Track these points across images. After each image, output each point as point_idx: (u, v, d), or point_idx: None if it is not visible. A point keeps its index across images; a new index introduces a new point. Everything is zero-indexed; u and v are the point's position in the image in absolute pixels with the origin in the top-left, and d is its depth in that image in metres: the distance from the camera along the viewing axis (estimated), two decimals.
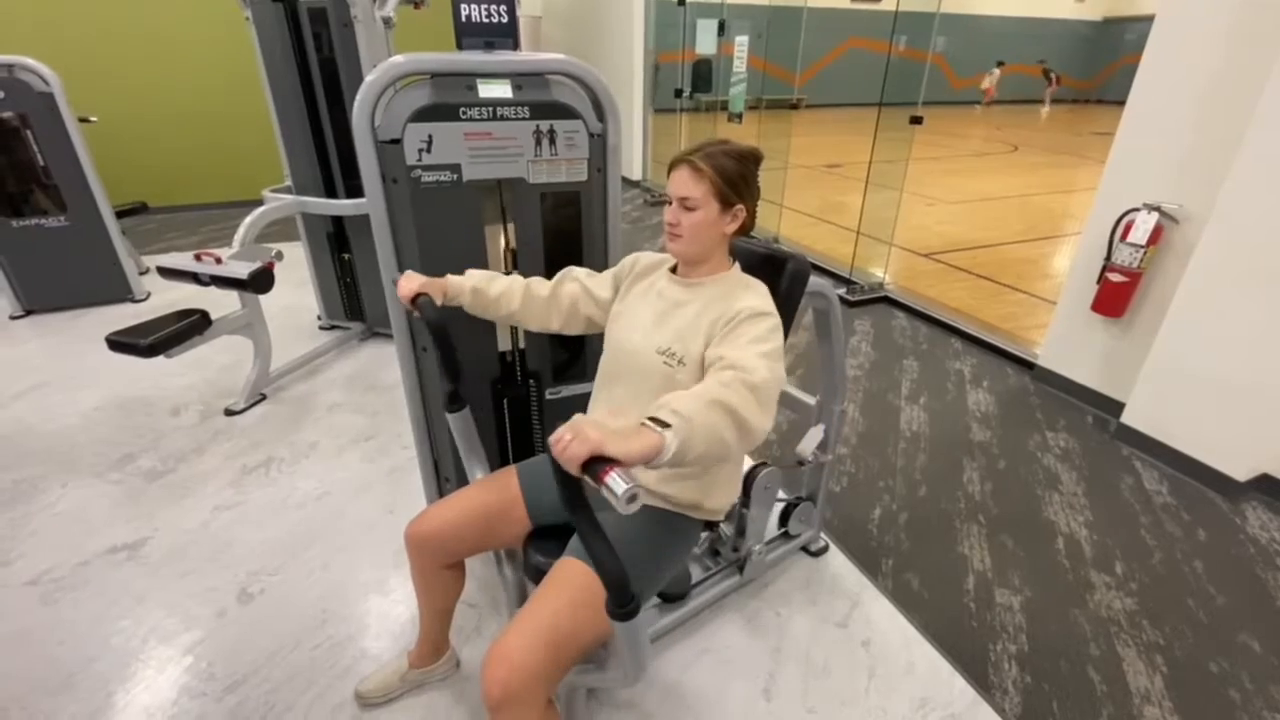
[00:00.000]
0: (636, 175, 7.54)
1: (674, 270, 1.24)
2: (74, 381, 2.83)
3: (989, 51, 15.35)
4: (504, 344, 1.61)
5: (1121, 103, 2.51)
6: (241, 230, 2.57)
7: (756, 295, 1.12)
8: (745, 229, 1.17)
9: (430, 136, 1.32)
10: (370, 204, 1.38)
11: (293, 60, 2.66)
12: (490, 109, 1.35)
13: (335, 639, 1.61)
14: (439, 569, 1.30)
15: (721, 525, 1.70)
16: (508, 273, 1.38)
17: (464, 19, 1.35)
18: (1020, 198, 6.97)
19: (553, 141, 1.43)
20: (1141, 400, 2.46)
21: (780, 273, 1.27)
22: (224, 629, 1.64)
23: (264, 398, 2.72)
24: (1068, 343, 2.86)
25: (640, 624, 0.86)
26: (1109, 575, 1.88)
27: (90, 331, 3.29)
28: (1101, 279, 2.58)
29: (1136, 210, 2.44)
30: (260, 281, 2.36)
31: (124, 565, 1.84)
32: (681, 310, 1.16)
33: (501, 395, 1.65)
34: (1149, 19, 2.38)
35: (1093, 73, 17.55)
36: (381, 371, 2.96)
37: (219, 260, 2.37)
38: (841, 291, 3.94)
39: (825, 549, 1.93)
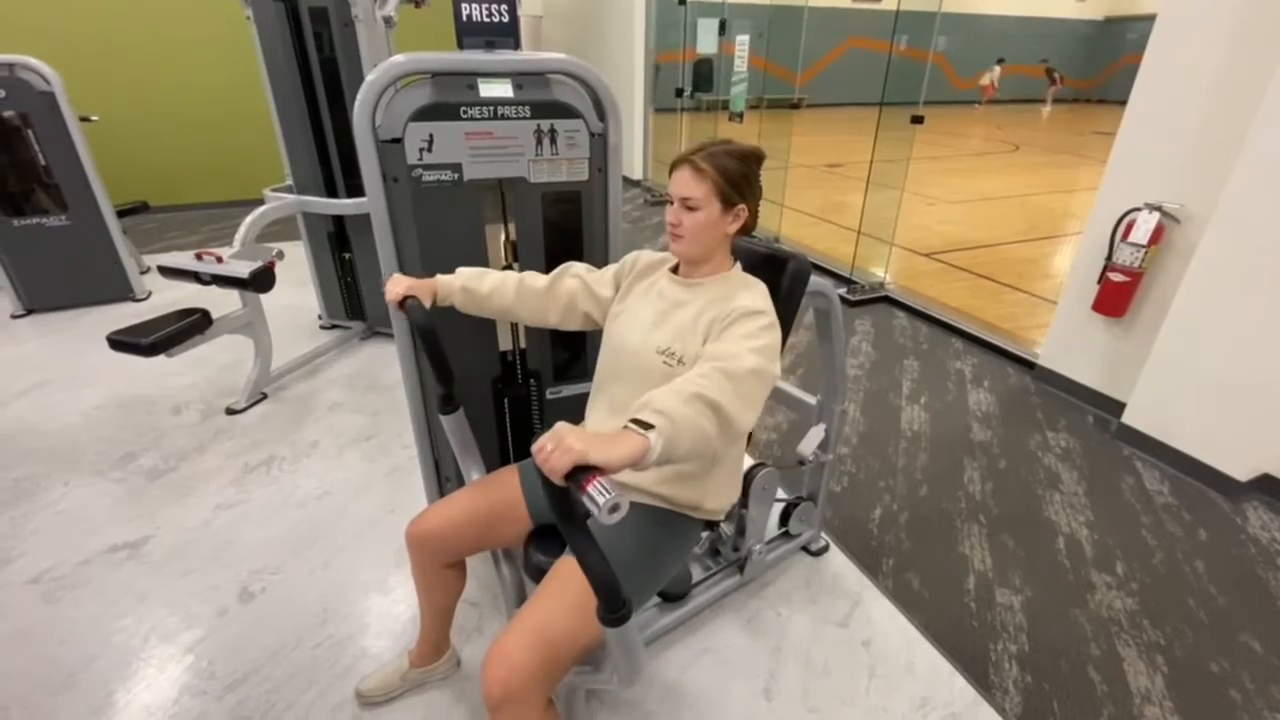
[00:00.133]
0: (637, 175, 7.54)
1: (675, 270, 1.24)
2: (75, 380, 2.83)
3: (990, 51, 15.33)
4: (505, 343, 1.61)
5: (1123, 102, 2.51)
6: (242, 229, 2.57)
7: (754, 294, 1.12)
8: (747, 229, 1.17)
9: (431, 136, 1.32)
10: (371, 203, 1.38)
11: (294, 59, 2.66)
12: (491, 108, 1.35)
13: (336, 638, 1.61)
14: (440, 568, 1.30)
15: (722, 525, 1.70)
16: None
17: (465, 18, 1.35)
18: (1021, 197, 6.97)
19: (553, 141, 1.43)
20: (1142, 400, 2.46)
21: (781, 272, 1.27)
22: (225, 628, 1.64)
23: (265, 397, 2.72)
24: (1069, 342, 2.86)
25: (632, 629, 0.85)
26: (1110, 575, 1.88)
27: (91, 331, 3.29)
28: (1102, 279, 2.57)
29: (1138, 210, 2.43)
30: (261, 281, 2.37)
31: (125, 564, 1.84)
32: (682, 310, 1.16)
33: (502, 394, 1.65)
34: (1150, 18, 2.38)
35: (1094, 72, 17.53)
36: (382, 371, 2.97)
37: (220, 259, 2.37)
38: (842, 291, 3.94)
39: (826, 549, 1.93)
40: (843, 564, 1.89)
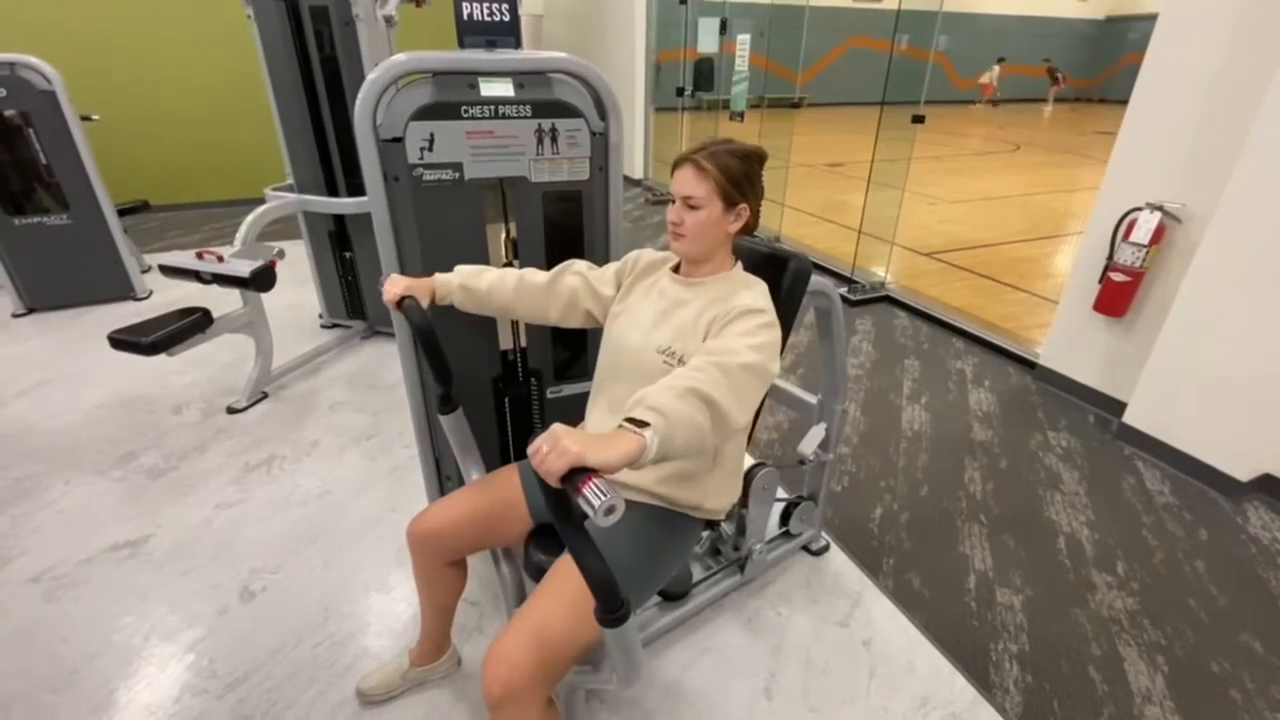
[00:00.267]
0: (638, 174, 7.54)
1: (676, 269, 1.24)
2: (76, 379, 2.83)
3: (991, 50, 15.32)
4: (505, 342, 1.61)
5: (1124, 102, 2.50)
6: (243, 228, 2.57)
7: (754, 293, 1.11)
8: (749, 228, 1.17)
9: (432, 135, 1.32)
10: (372, 202, 1.38)
11: (294, 58, 2.66)
12: (492, 107, 1.35)
13: (337, 637, 1.61)
14: (441, 566, 1.30)
15: (722, 524, 1.70)
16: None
17: (466, 17, 1.35)
18: (1022, 197, 6.96)
19: (554, 140, 1.42)
20: (1143, 400, 2.45)
21: (782, 272, 1.27)
22: (226, 626, 1.64)
23: (266, 396, 2.72)
24: (1069, 342, 2.86)
25: (630, 629, 0.85)
26: (1110, 575, 1.88)
27: (92, 330, 3.29)
28: (1103, 278, 2.57)
29: (1139, 209, 2.43)
30: (262, 280, 2.37)
31: (126, 562, 1.84)
32: (682, 309, 1.16)
33: (503, 393, 1.65)
34: (1152, 18, 2.38)
35: (1095, 71, 17.51)
36: (383, 370, 2.97)
37: (221, 258, 2.37)
38: (843, 291, 3.93)
39: (826, 548, 1.93)
40: (843, 563, 1.89)
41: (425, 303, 1.24)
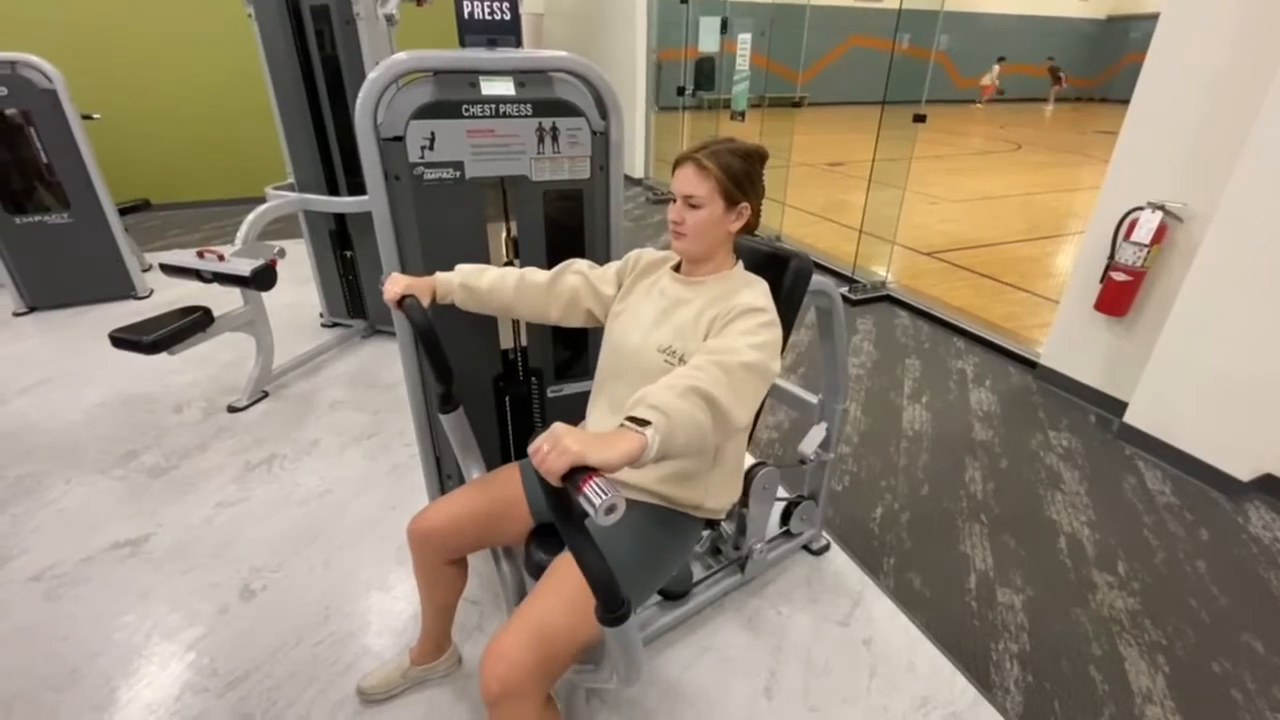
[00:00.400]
0: (639, 173, 7.53)
1: (677, 268, 1.24)
2: (77, 378, 2.83)
3: (993, 50, 15.29)
4: (506, 341, 1.61)
5: (1125, 101, 2.50)
6: (244, 227, 2.58)
7: (755, 292, 1.11)
8: (750, 227, 1.17)
9: (433, 134, 1.32)
10: (373, 201, 1.38)
11: (295, 57, 2.66)
12: (493, 106, 1.35)
13: (337, 635, 1.61)
14: (441, 565, 1.30)
15: (723, 524, 1.70)
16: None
17: (467, 16, 1.35)
18: (1023, 196, 6.96)
19: (555, 139, 1.42)
20: (1144, 400, 2.45)
21: (783, 271, 1.27)
22: (226, 625, 1.64)
23: (266, 395, 2.72)
24: (1070, 342, 2.86)
25: (631, 628, 0.85)
26: (1111, 575, 1.88)
27: (93, 328, 3.29)
28: (1105, 278, 2.57)
29: (1140, 209, 2.43)
30: (263, 279, 2.37)
31: (127, 561, 1.84)
32: (683, 308, 1.16)
33: (504, 392, 1.65)
34: (1153, 17, 2.38)
35: (1097, 71, 17.49)
36: (383, 369, 2.97)
37: (222, 257, 2.37)
38: (844, 290, 3.93)
39: (827, 548, 1.93)
40: (844, 563, 1.89)
41: (426, 302, 1.24)
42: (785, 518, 1.83)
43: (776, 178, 5.54)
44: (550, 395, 1.70)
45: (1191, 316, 2.26)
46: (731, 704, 1.47)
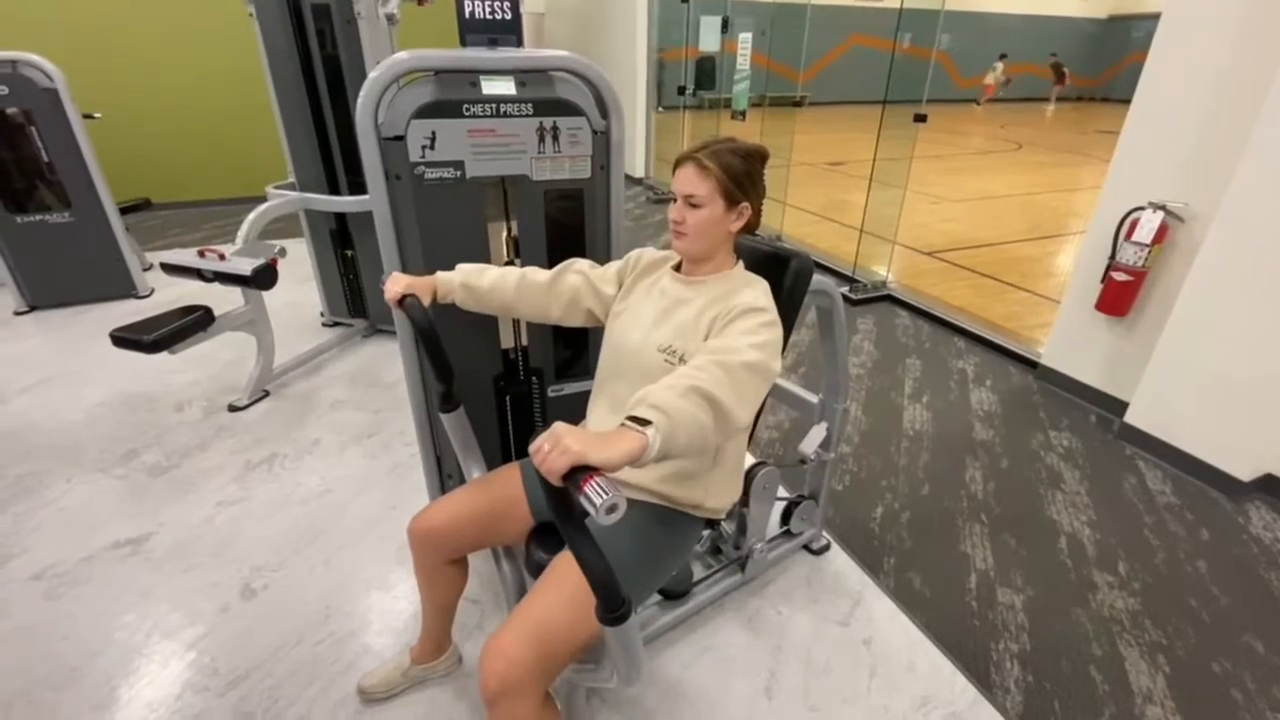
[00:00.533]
0: (639, 173, 7.53)
1: (677, 268, 1.24)
2: (78, 377, 2.84)
3: (993, 49, 15.26)
4: (507, 341, 1.61)
5: (1127, 101, 2.50)
6: (245, 227, 2.58)
7: (755, 292, 1.11)
8: (751, 227, 1.17)
9: (434, 133, 1.32)
10: (373, 201, 1.38)
11: (296, 57, 2.66)
12: (493, 106, 1.35)
13: (338, 635, 1.61)
14: (442, 564, 1.30)
15: (723, 523, 1.70)
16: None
17: (467, 15, 1.35)
18: (1024, 196, 6.95)
19: (556, 138, 1.42)
20: (1145, 400, 2.45)
21: (784, 271, 1.26)
22: (227, 624, 1.64)
23: (267, 394, 2.73)
24: (1071, 342, 2.86)
25: (631, 628, 0.85)
26: (1111, 575, 1.88)
27: (94, 327, 3.29)
28: (1106, 278, 2.57)
29: (1141, 209, 2.43)
30: (263, 278, 2.37)
31: (128, 560, 1.84)
32: (684, 308, 1.16)
33: (504, 392, 1.65)
34: (1155, 17, 2.38)
35: (1098, 70, 17.46)
36: (384, 368, 2.97)
37: (222, 256, 2.37)
38: (844, 290, 3.93)
39: (827, 547, 1.93)
40: (844, 563, 1.89)
41: (427, 301, 1.24)
42: (785, 517, 1.83)
43: (777, 177, 5.53)
44: (551, 395, 1.70)
45: (1192, 316, 2.26)
46: (731, 704, 1.47)
